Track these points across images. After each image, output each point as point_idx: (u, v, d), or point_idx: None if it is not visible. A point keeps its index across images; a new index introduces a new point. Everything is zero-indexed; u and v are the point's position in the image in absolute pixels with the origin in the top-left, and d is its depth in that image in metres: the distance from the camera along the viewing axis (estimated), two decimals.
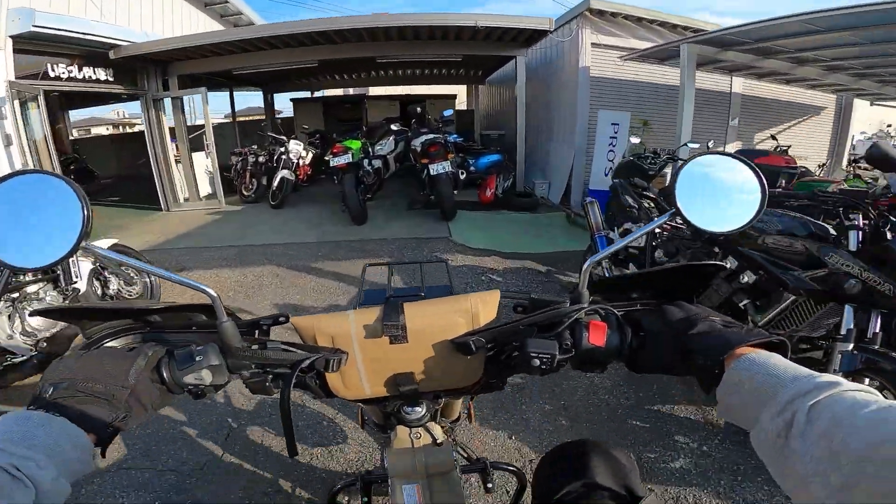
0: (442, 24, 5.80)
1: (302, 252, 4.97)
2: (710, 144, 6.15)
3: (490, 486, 0.93)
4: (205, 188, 8.04)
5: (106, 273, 3.17)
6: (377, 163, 7.11)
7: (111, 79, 6.69)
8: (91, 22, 6.08)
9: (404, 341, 0.66)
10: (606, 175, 6.63)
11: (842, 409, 0.37)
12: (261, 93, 11.62)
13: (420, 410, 0.82)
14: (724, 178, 0.62)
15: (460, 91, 14.10)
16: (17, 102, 5.22)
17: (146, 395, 0.53)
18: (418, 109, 6.54)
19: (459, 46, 6.86)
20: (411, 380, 0.69)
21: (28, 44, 5.42)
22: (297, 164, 7.61)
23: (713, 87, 7.66)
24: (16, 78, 5.28)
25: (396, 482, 0.74)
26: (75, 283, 2.86)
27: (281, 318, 0.65)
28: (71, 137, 13.66)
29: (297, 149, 7.53)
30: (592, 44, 6.78)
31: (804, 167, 5.41)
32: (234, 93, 10.93)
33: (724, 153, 0.64)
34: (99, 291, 3.12)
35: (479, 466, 0.92)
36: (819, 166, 7.92)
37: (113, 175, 12.41)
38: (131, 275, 3.38)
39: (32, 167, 5.03)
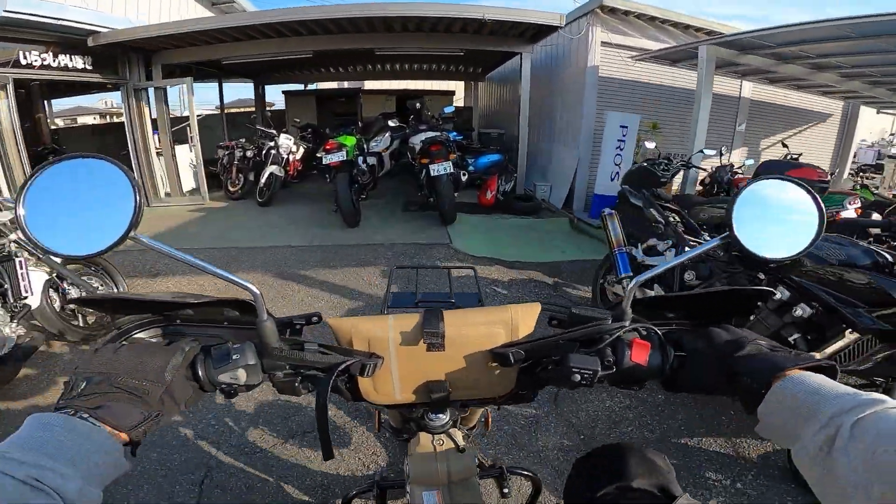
0: (447, 15, 5.42)
1: (290, 257, 4.59)
2: (723, 151, 5.92)
3: (506, 490, 0.93)
4: (188, 183, 7.59)
5: (65, 284, 2.78)
6: (372, 160, 6.74)
7: (89, 67, 6.25)
8: (68, 7, 5.63)
9: (441, 349, 0.65)
10: (613, 180, 6.35)
11: (887, 425, 0.36)
12: (252, 84, 11.12)
13: (444, 417, 0.81)
14: (781, 202, 0.61)
15: (458, 87, 13.70)
16: None
17: (180, 393, 0.52)
18: (417, 105, 6.15)
19: (463, 40, 6.49)
20: (443, 388, 0.68)
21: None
22: (287, 159, 7.19)
23: (722, 91, 7.39)
24: None
25: (416, 489, 0.75)
26: (25, 297, 2.48)
27: (314, 318, 0.64)
28: (53, 127, 13.14)
29: (287, 143, 7.11)
30: (602, 42, 6.46)
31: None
32: (225, 84, 10.48)
33: (783, 178, 0.62)
34: (57, 305, 2.73)
35: (495, 472, 0.94)
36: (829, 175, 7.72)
37: None
38: (95, 286, 2.99)
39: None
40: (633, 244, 3.07)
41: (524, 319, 0.67)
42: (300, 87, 12.94)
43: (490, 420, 1.28)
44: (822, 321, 2.09)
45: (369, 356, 0.63)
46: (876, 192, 6.54)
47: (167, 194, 7.49)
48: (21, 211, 0.49)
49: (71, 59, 5.99)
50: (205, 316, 0.63)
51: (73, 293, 2.84)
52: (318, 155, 5.57)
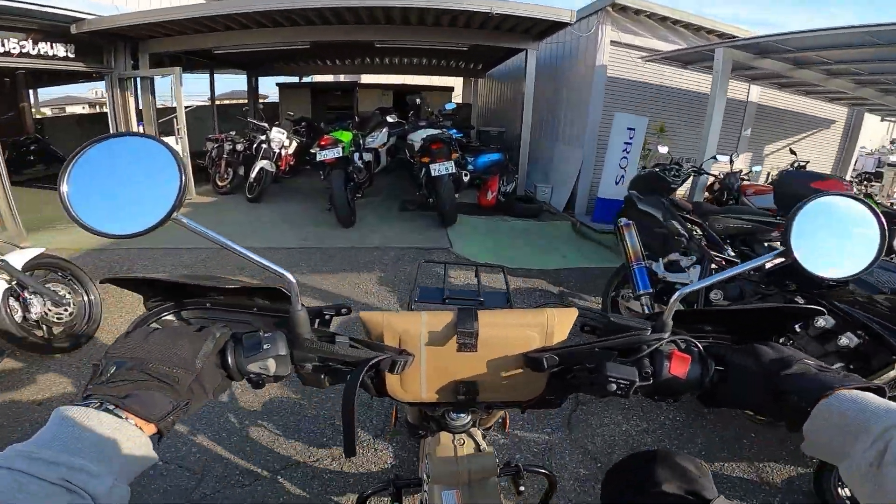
0: (452, 8, 5.14)
1: (280, 259, 4.28)
2: (734, 157, 5.74)
3: (522, 489, 0.94)
4: None
5: (26, 294, 2.50)
6: (368, 156, 6.46)
7: (72, 55, 5.89)
8: None
9: (473, 350, 0.63)
10: (618, 184, 6.15)
11: None
12: (244, 76, 10.77)
13: (465, 417, 0.80)
14: (841, 219, 0.59)
15: (457, 84, 13.43)
16: None
17: (209, 381, 0.50)
18: (417, 101, 5.88)
19: (467, 35, 6.22)
20: (472, 389, 0.66)
21: None
22: (279, 153, 6.89)
23: (729, 95, 7.19)
24: None
25: (436, 488, 0.75)
26: None
27: (343, 310, 0.62)
28: (39, 116, 12.70)
29: (279, 137, 6.80)
30: (612, 41, 6.24)
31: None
32: (218, 75, 10.13)
33: (845, 194, 0.60)
34: (18, 315, 2.45)
35: (512, 470, 0.94)
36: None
37: None
38: (62, 294, 2.70)
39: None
40: (650, 257, 2.85)
41: (560, 324, 0.65)
42: (295, 79, 12.61)
43: (507, 421, 1.24)
44: (868, 351, 1.92)
45: (400, 353, 0.62)
46: (880, 201, 6.42)
47: None
48: (64, 188, 0.48)
49: (52, 47, 5.62)
50: (235, 301, 0.61)
51: (36, 303, 2.55)
52: (312, 151, 5.27)
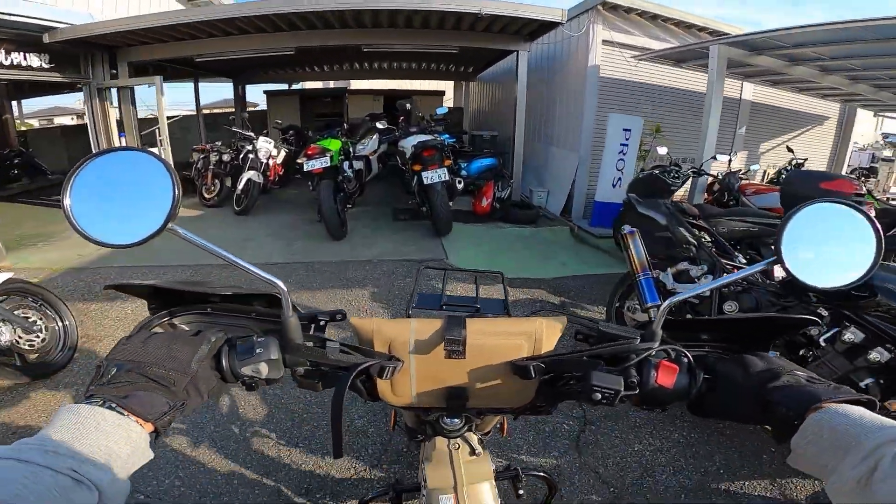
0: (441, 9, 4.98)
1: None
2: (733, 157, 5.62)
3: (521, 492, 0.96)
4: None
5: None
6: (359, 164, 6.27)
7: (47, 66, 5.70)
8: (20, 1, 5.09)
9: (461, 357, 0.64)
10: (615, 187, 6.01)
11: None
12: (231, 84, 10.56)
13: (459, 422, 0.79)
14: (835, 227, 0.57)
15: (448, 87, 13.29)
16: None
17: (204, 383, 0.52)
18: (407, 106, 5.70)
19: (456, 37, 6.07)
20: (461, 395, 0.68)
21: None
22: (267, 163, 6.68)
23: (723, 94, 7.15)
24: None
25: (434, 493, 0.76)
26: None
27: (338, 316, 0.64)
28: (24, 128, 12.42)
29: (266, 147, 6.59)
30: (604, 41, 6.12)
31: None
32: (208, 84, 9.93)
33: (839, 200, 0.58)
34: None
35: (511, 473, 0.96)
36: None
37: (64, 170, 11.15)
38: (32, 321, 2.54)
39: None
40: (657, 266, 2.69)
41: (549, 333, 0.66)
42: (284, 86, 12.42)
43: (506, 426, 1.25)
44: None
45: (389, 359, 0.64)
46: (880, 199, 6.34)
47: None
48: (67, 202, 0.50)
49: (25, 58, 5.45)
50: (233, 307, 0.63)
51: (5, 331, 2.38)
52: (299, 161, 5.08)
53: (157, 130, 6.45)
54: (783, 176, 6.55)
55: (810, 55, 5.19)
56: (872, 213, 3.47)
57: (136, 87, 6.38)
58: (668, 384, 0.57)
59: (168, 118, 11.31)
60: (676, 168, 4.66)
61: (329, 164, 4.82)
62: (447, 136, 6.55)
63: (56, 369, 2.61)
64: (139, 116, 7.01)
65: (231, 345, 0.56)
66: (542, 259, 4.82)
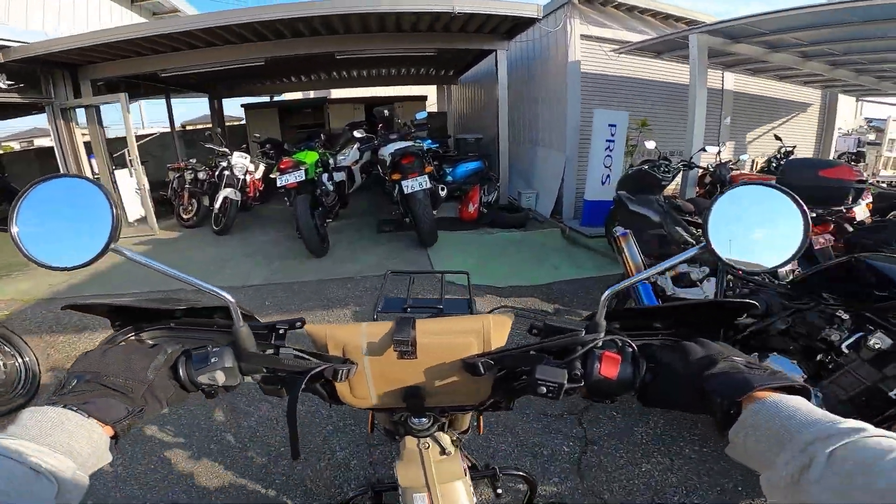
0: (413, 10, 4.79)
1: (244, 300, 3.85)
2: (722, 147, 5.49)
3: (500, 491, 0.99)
4: (135, 211, 6.73)
5: None
6: (340, 176, 6.04)
7: (4, 86, 5.41)
8: None
9: (413, 357, 0.66)
10: (604, 184, 5.85)
11: (866, 454, 0.35)
12: (206, 99, 10.30)
13: (426, 422, 0.81)
14: (762, 209, 0.57)
15: (431, 92, 13.13)
16: None
17: (162, 391, 0.55)
18: (385, 112, 5.47)
19: (433, 39, 5.88)
20: (418, 394, 0.69)
21: None
22: (244, 180, 6.43)
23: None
24: None
25: (408, 492, 0.79)
26: None
27: (297, 323, 0.66)
28: (0, 151, 12.02)
29: (242, 162, 6.34)
30: (582, 35, 5.98)
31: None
32: (188, 99, 9.63)
33: (765, 183, 0.58)
34: None
35: (488, 473, 1.00)
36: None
37: None
38: None
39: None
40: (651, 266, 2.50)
41: (497, 330, 0.66)
42: (263, 99, 12.15)
43: (481, 423, 1.27)
44: None
45: (342, 362, 0.65)
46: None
47: None
48: (14, 229, 0.53)
49: None
50: (195, 321, 0.67)
51: None
52: (272, 175, 4.84)
53: (126, 151, 6.17)
54: (773, 164, 6.45)
55: (790, 41, 5.10)
56: (869, 199, 3.32)
57: (115, 106, 6.09)
58: (611, 375, 0.57)
59: (146, 136, 11.14)
60: (666, 162, 4.50)
61: (304, 178, 4.58)
62: (430, 141, 6.37)
63: (16, 408, 2.45)
64: (118, 136, 6.73)
65: (188, 355, 0.58)
66: (534, 264, 4.63)
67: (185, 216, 6.76)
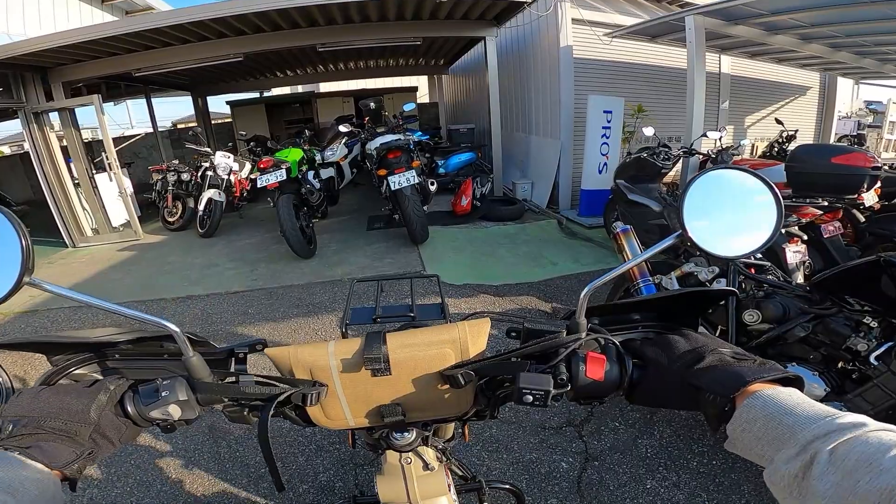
0: None
1: (227, 308, 3.69)
2: (723, 132, 5.28)
3: None
4: (119, 216, 6.53)
5: None
6: (328, 172, 5.84)
7: None
8: None
9: (387, 374, 0.62)
10: (601, 173, 5.67)
11: (868, 450, 0.35)
12: (189, 97, 10.01)
13: (409, 436, 0.77)
14: (735, 194, 0.56)
15: (421, 83, 12.85)
16: None
17: (112, 430, 0.52)
18: (371, 105, 5.24)
19: (418, 27, 5.64)
20: (397, 411, 0.65)
21: None
22: (229, 179, 6.21)
23: None
24: None
25: None
26: None
27: (258, 346, 0.63)
28: None
29: (225, 162, 6.11)
30: (573, 20, 5.74)
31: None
32: (178, 98, 9.35)
33: (736, 167, 0.57)
34: None
35: (474, 486, 0.96)
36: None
37: (26, 201, 10.56)
38: None
39: None
40: (658, 270, 2.32)
41: (474, 336, 0.63)
42: (250, 95, 11.86)
43: (467, 431, 1.21)
44: None
45: (311, 384, 0.62)
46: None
47: (95, 231, 6.44)
48: None
49: None
50: (143, 350, 0.62)
51: None
52: (252, 177, 4.63)
53: (104, 154, 5.94)
54: (776, 149, 6.26)
55: (789, 23, 4.90)
56: (878, 183, 3.13)
57: (101, 107, 5.85)
58: (598, 377, 0.55)
59: (131, 137, 10.86)
60: (666, 149, 4.30)
61: (286, 178, 4.37)
62: (420, 133, 6.14)
63: None
64: (111, 136, 6.46)
65: (135, 390, 0.54)
66: (529, 260, 4.45)
67: (170, 219, 6.57)
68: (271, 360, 0.63)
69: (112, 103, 11.08)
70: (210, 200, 5.81)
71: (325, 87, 13.06)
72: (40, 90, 5.62)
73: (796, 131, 6.36)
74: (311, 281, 4.10)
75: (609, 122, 5.60)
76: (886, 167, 3.60)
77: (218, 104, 11.33)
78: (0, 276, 0.47)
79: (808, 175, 2.87)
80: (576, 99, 5.90)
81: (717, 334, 1.96)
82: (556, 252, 4.65)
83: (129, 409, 0.53)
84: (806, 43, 5.68)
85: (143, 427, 0.55)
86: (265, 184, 4.26)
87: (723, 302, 1.74)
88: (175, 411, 0.54)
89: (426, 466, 0.78)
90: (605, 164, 5.66)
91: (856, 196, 2.83)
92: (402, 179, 4.22)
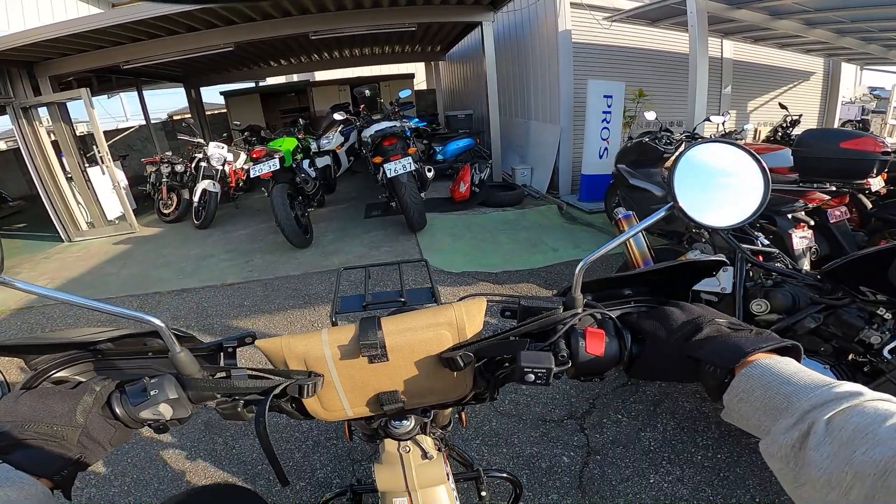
0: None
1: (223, 300, 3.64)
2: (726, 118, 5.18)
3: (484, 493, 0.96)
4: (114, 209, 6.45)
5: None
6: (323, 161, 5.75)
7: None
8: None
9: (384, 360, 0.60)
10: (602, 158, 5.58)
11: (864, 420, 0.34)
12: (182, 89, 9.85)
13: (408, 424, 0.76)
14: (724, 167, 0.57)
15: (419, 69, 12.66)
16: None
17: (101, 433, 0.50)
18: (366, 92, 5.12)
19: (413, 13, 5.50)
20: (396, 398, 0.64)
21: None
22: (223, 170, 6.12)
23: None
24: None
25: (387, 496, 0.76)
26: None
27: (247, 339, 0.61)
28: None
29: (219, 152, 6.00)
30: (572, 3, 5.60)
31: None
32: (174, 89, 9.17)
33: (724, 141, 0.57)
34: None
35: (472, 475, 0.97)
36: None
37: (22, 196, 10.47)
38: None
39: None
40: (662, 258, 2.26)
41: (470, 317, 0.61)
42: (246, 85, 11.69)
43: (465, 417, 1.17)
44: None
45: (307, 375, 0.60)
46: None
47: (90, 225, 6.37)
48: None
49: None
50: (128, 349, 0.60)
51: None
52: (244, 167, 4.54)
53: (95, 148, 5.84)
54: (780, 134, 6.16)
55: (794, 7, 4.76)
56: (885, 168, 3.04)
57: (95, 99, 5.75)
58: (598, 352, 0.54)
59: (126, 129, 10.72)
60: (668, 133, 4.21)
61: (280, 167, 4.28)
62: (416, 119, 6.03)
63: None
64: (106, 129, 6.34)
65: (122, 390, 0.52)
66: (529, 246, 4.39)
67: (165, 211, 6.50)
68: (263, 353, 0.61)
69: (105, 96, 10.92)
70: (205, 192, 5.73)
71: (320, 75, 12.87)
72: (28, 85, 5.51)
73: (801, 115, 6.25)
74: (307, 271, 4.05)
75: (609, 106, 5.49)
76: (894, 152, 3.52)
77: (213, 95, 11.16)
78: None
79: (816, 160, 2.79)
80: (575, 84, 5.79)
81: None
82: (556, 238, 4.59)
83: (117, 410, 0.51)
84: (810, 28, 5.55)
85: (133, 429, 0.53)
86: (258, 174, 4.18)
87: (715, 273, 1.68)
88: (166, 410, 0.52)
89: (425, 455, 0.77)
90: (606, 148, 5.57)
91: (864, 181, 2.75)
92: (397, 167, 4.13)
